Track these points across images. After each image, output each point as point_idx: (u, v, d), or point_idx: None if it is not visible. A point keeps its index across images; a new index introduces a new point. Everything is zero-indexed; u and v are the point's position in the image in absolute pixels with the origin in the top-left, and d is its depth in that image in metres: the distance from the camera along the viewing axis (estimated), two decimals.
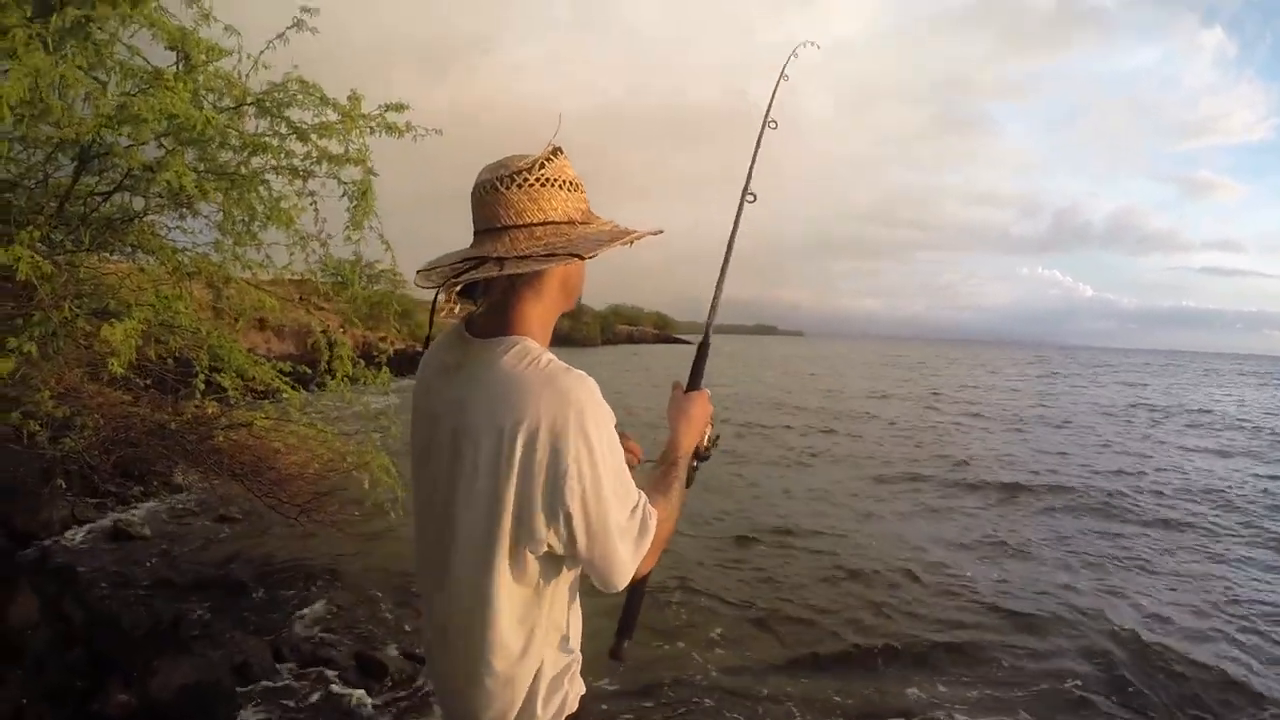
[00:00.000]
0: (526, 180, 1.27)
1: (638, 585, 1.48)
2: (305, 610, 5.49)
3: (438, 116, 4.41)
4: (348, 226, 4.43)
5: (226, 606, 5.31)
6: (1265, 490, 12.63)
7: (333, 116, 3.98)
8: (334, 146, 4.12)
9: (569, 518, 1.21)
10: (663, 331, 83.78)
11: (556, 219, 1.29)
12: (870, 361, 65.21)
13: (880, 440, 16.94)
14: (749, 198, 1.88)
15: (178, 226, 4.42)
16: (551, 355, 1.28)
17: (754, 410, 21.55)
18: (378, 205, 4.38)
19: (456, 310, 1.37)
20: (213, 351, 4.65)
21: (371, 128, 4.15)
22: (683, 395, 1.65)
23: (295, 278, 4.89)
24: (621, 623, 1.56)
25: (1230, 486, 12.95)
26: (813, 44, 2.19)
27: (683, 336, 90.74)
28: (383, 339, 5.86)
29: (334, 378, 4.96)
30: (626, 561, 1.29)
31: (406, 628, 5.46)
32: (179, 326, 4.22)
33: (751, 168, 1.90)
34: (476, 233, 1.33)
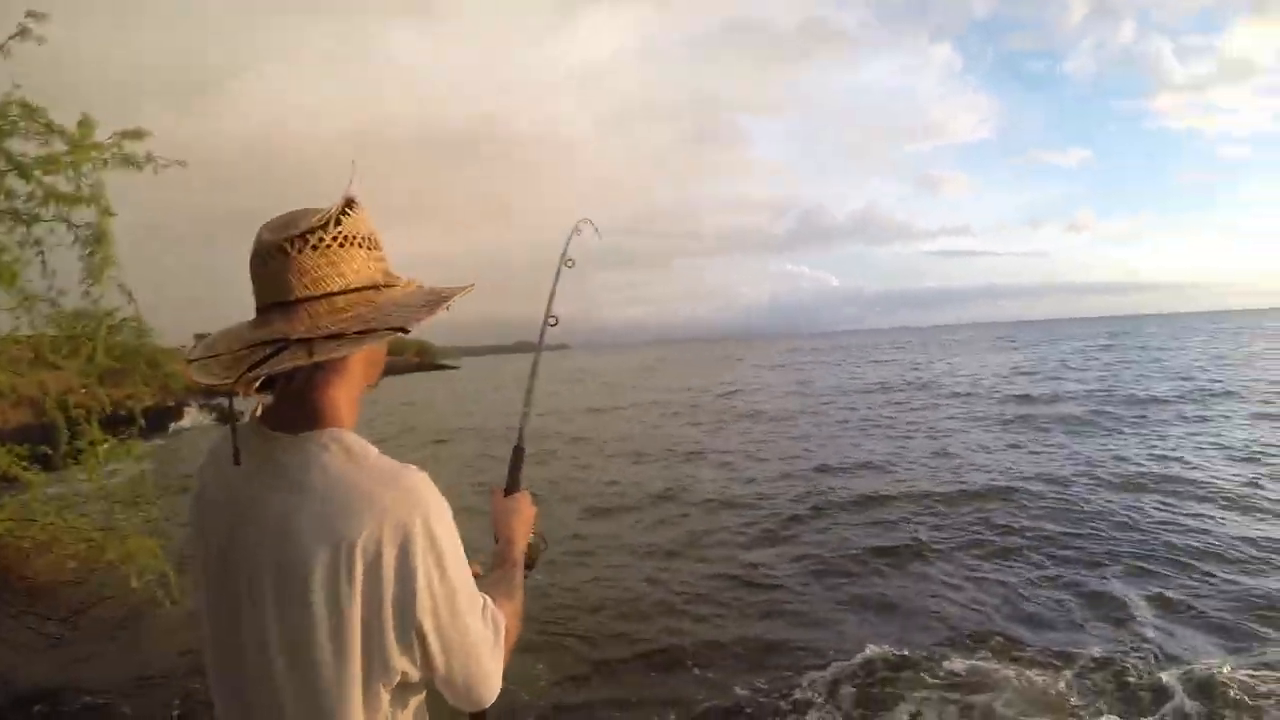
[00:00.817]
0: (321, 240, 1.06)
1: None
2: None
3: (186, 148, 3.86)
4: (84, 279, 3.76)
5: None
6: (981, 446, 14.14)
7: (60, 147, 3.29)
8: (63, 184, 3.44)
9: (422, 636, 1.04)
10: (423, 359, 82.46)
11: (359, 284, 1.09)
12: (622, 369, 64.13)
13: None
14: (551, 321, 1.88)
15: None
16: (375, 449, 1.09)
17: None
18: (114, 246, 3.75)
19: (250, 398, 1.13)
20: None
21: (105, 159, 3.51)
22: (504, 499, 1.54)
23: (24, 336, 4.14)
24: None
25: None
26: (589, 222, 2.15)
27: (445, 362, 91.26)
28: (129, 397, 5.06)
29: (78, 457, 4.26)
30: (492, 672, 1.15)
31: None
32: None
33: (550, 301, 1.90)
34: (261, 308, 1.09)
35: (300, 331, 1.02)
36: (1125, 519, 8.44)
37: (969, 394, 23.12)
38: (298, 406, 1.11)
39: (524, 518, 1.50)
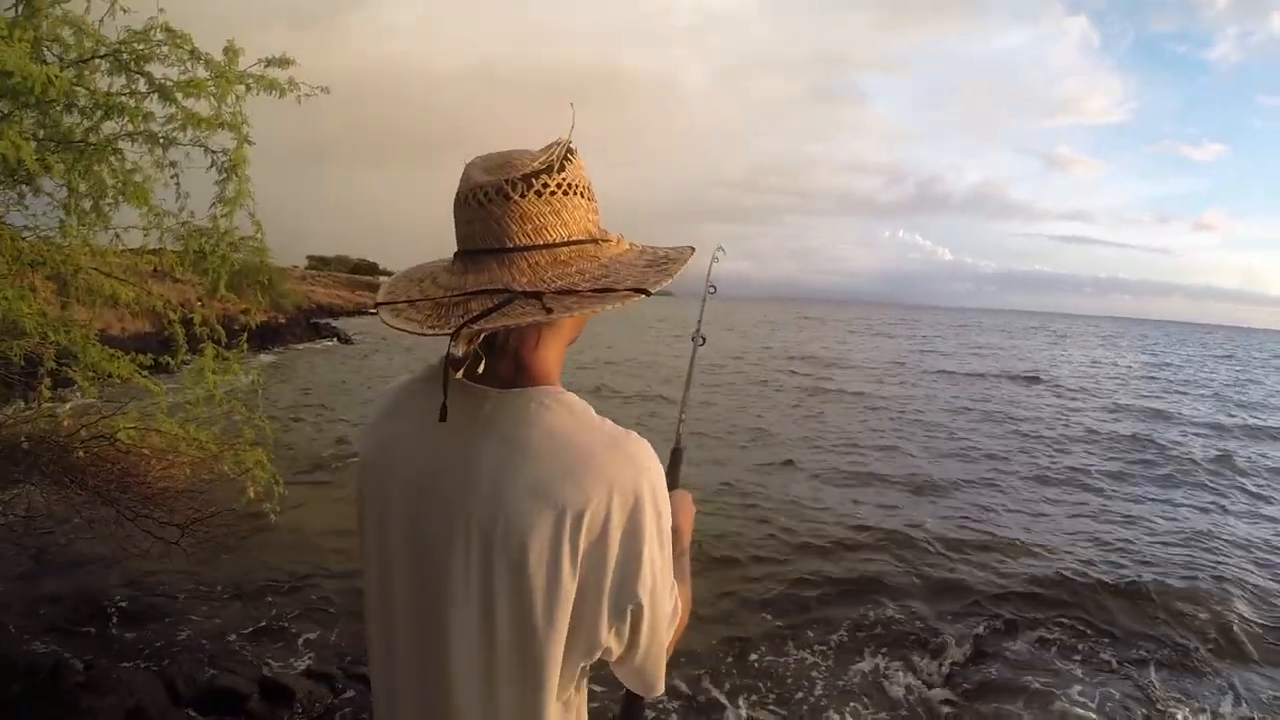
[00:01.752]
0: (546, 186, 0.96)
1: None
2: (196, 639, 4.90)
3: (309, 76, 3.88)
4: (215, 203, 3.85)
5: (108, 646, 4.65)
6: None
7: (203, 73, 3.37)
8: (203, 108, 3.52)
9: (637, 612, 0.97)
10: None
11: (580, 236, 1.00)
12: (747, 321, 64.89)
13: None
14: (699, 340, 1.85)
15: (16, 207, 3.70)
16: (594, 411, 1.01)
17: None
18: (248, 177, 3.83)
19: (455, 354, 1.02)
20: (62, 348, 3.99)
21: (248, 85, 3.56)
22: (672, 493, 1.40)
23: (149, 250, 4.29)
24: None
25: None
26: (722, 249, 2.11)
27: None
28: (244, 311, 5.23)
29: (195, 361, 4.41)
30: (667, 656, 1.08)
31: (303, 640, 5.03)
32: (24, 333, 3.55)
33: (699, 324, 1.88)
34: (469, 252, 1.00)
35: (523, 283, 0.94)
36: None
37: None
38: (507, 362, 1.03)
39: (688, 512, 1.38)
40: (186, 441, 4.58)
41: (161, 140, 3.58)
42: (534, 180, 0.96)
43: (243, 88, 3.48)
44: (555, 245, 0.97)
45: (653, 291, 0.96)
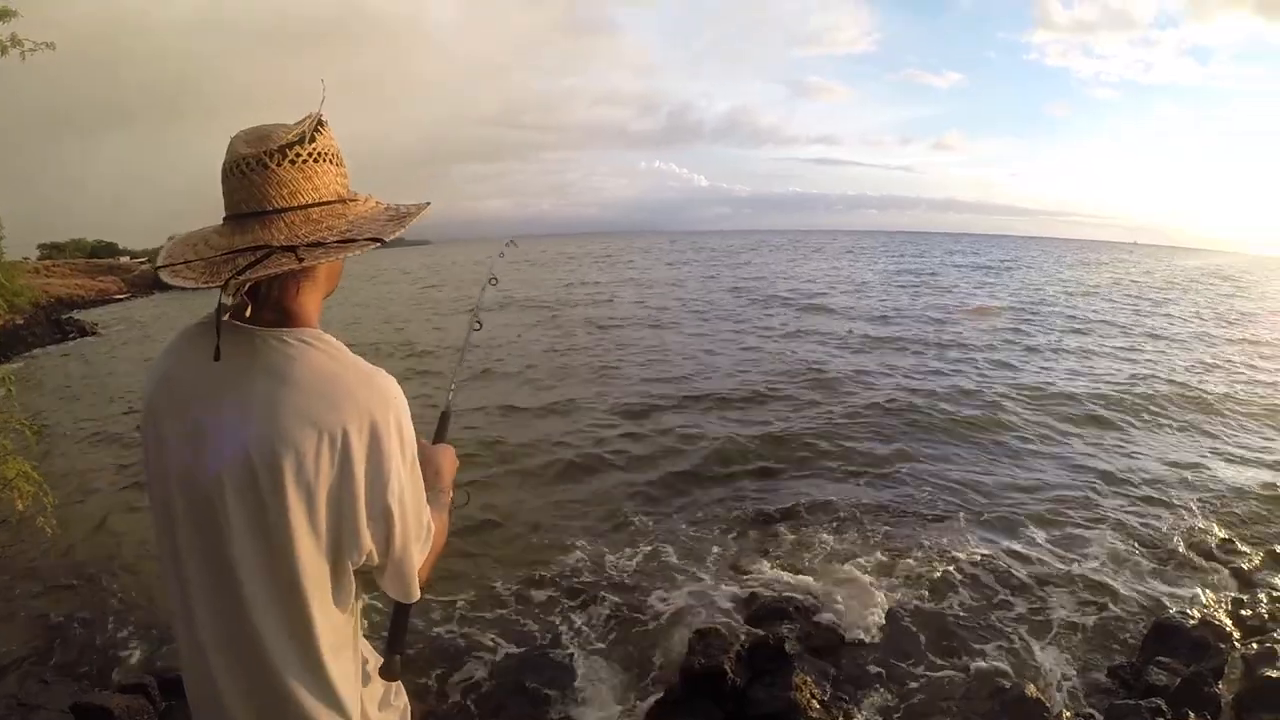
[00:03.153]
0: (299, 156, 1.14)
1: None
2: None
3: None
4: None
5: None
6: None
7: None
8: None
9: (388, 516, 1.17)
10: None
11: (329, 198, 1.18)
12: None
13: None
14: (475, 325, 2.12)
15: None
16: (349, 350, 1.20)
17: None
18: None
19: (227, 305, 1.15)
20: None
21: None
22: (433, 448, 1.61)
23: None
24: (392, 638, 1.43)
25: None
26: (513, 243, 2.59)
27: None
28: None
29: None
30: (419, 567, 1.27)
31: (109, 652, 4.69)
32: None
33: (476, 310, 2.13)
34: (234, 216, 1.16)
35: (280, 240, 1.11)
36: None
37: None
38: (271, 308, 1.18)
39: (450, 464, 1.59)
40: None
41: None
42: (288, 151, 1.13)
43: None
44: (308, 206, 1.15)
45: (387, 239, 1.15)
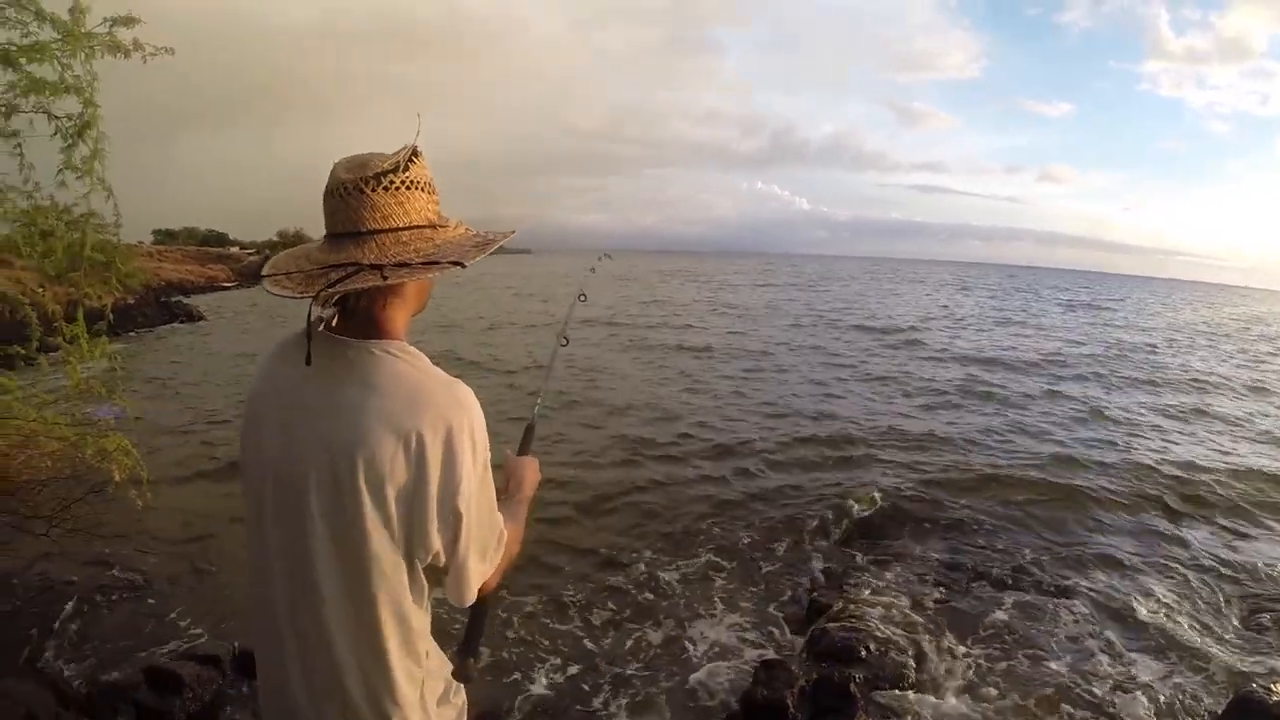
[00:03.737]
0: (393, 183, 1.24)
1: (483, 601, 1.44)
2: (76, 635, 4.66)
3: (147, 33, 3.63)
4: (61, 169, 3.60)
5: None
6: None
7: (49, 34, 3.13)
8: (48, 73, 3.29)
9: (458, 519, 1.23)
10: None
11: (419, 223, 1.28)
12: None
13: None
14: (561, 341, 2.24)
15: None
16: (430, 362, 1.29)
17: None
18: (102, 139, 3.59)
19: (319, 314, 1.30)
20: None
21: (95, 47, 3.34)
22: (517, 459, 1.72)
23: None
24: (466, 641, 1.52)
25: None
26: (607, 255, 2.66)
27: None
28: (88, 295, 4.95)
29: (59, 349, 4.14)
30: (484, 573, 1.33)
31: (185, 623, 4.90)
32: None
33: (565, 326, 2.26)
34: (333, 235, 1.27)
35: (371, 258, 1.20)
36: None
37: None
38: (363, 322, 1.29)
39: (533, 476, 1.68)
40: (46, 430, 4.33)
41: (2, 108, 3.33)
42: (383, 178, 1.23)
43: (92, 48, 3.27)
44: (398, 230, 1.25)
45: (468, 264, 1.23)
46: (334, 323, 1.31)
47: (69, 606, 4.96)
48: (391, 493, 1.19)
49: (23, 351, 4.31)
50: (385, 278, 1.17)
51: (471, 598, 1.32)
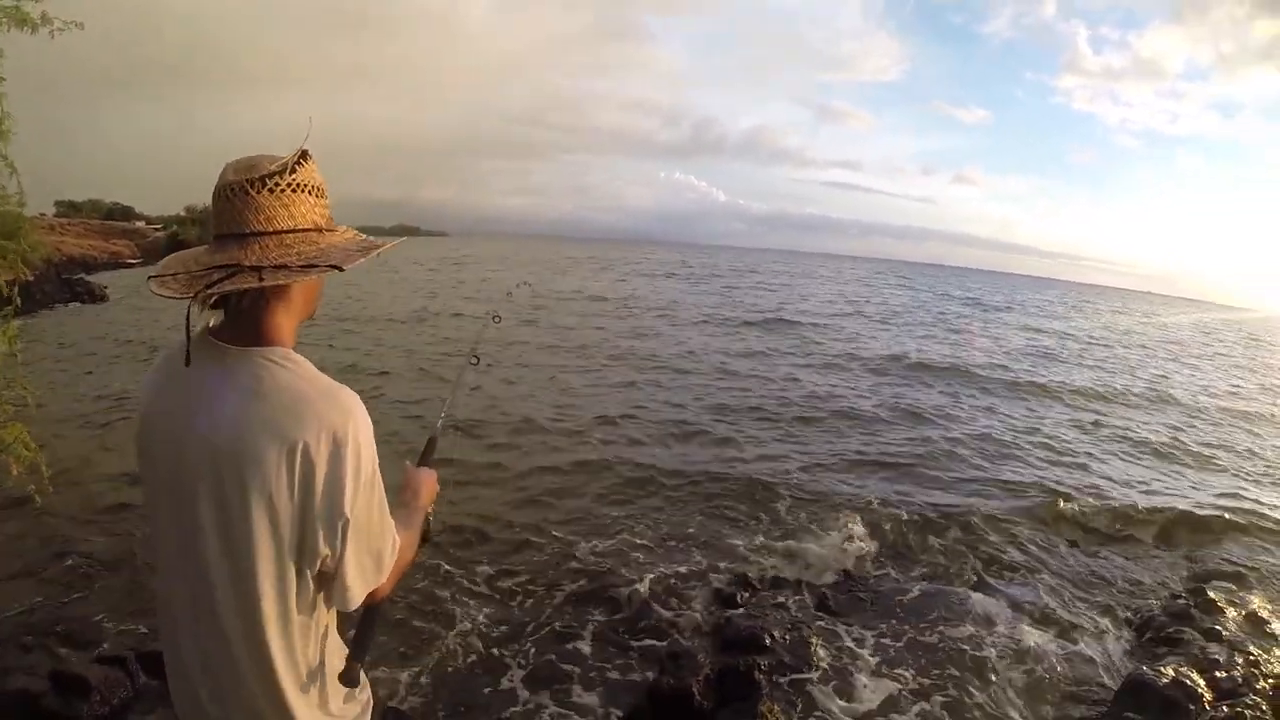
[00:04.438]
0: (278, 185, 1.25)
1: (375, 607, 1.48)
2: None
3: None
4: None
5: None
6: None
7: None
8: None
9: (345, 526, 1.24)
10: None
11: (305, 226, 1.29)
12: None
13: None
14: (472, 360, 2.35)
15: None
16: (314, 367, 1.29)
17: None
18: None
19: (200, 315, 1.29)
20: None
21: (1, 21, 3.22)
22: (416, 470, 1.73)
23: None
24: (355, 644, 1.51)
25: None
26: (527, 283, 3.26)
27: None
28: None
29: None
30: (371, 578, 1.34)
31: (93, 622, 4.75)
32: None
33: (475, 346, 2.34)
34: (218, 236, 1.27)
35: (252, 260, 1.21)
36: None
37: None
38: (246, 326, 1.29)
39: (430, 487, 1.70)
40: None
41: None
42: (268, 180, 1.24)
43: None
44: (282, 233, 1.25)
45: (345, 269, 1.24)
46: (218, 327, 1.32)
47: None
48: (277, 502, 1.20)
49: None
50: (262, 279, 1.19)
51: (356, 604, 1.34)
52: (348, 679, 1.44)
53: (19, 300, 4.32)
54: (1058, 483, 9.12)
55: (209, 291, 1.18)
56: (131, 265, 37.34)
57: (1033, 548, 6.99)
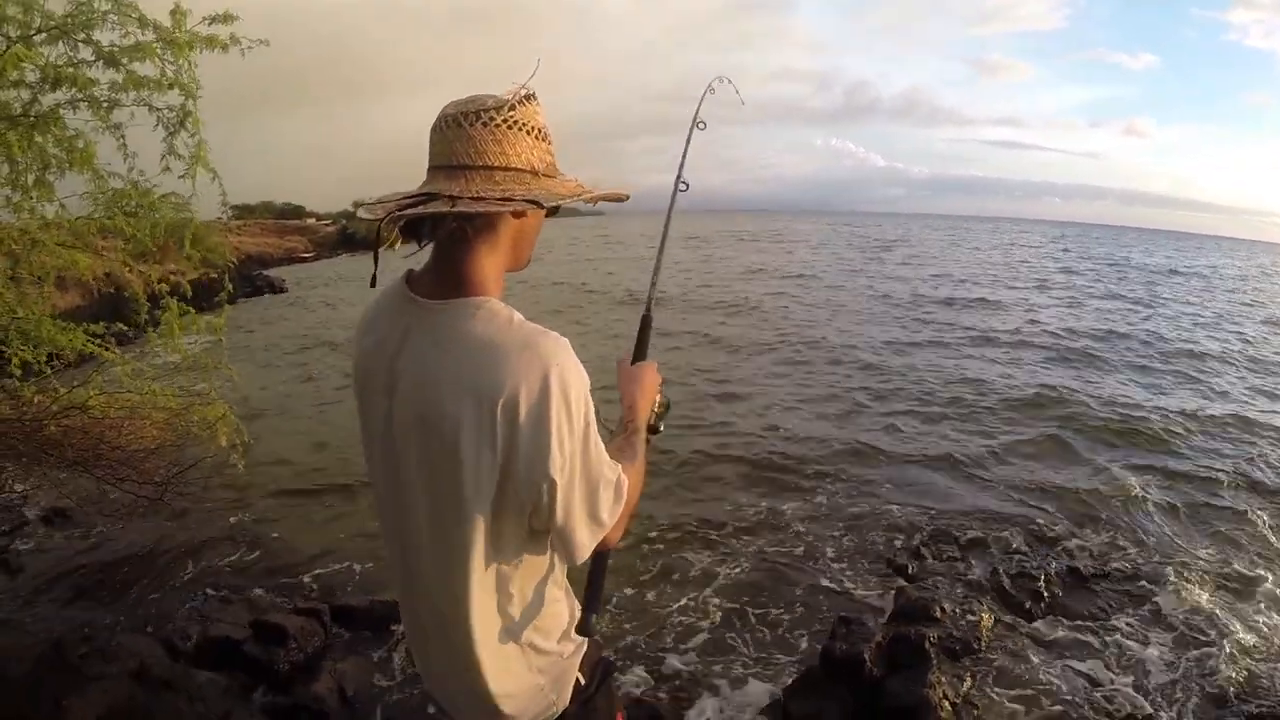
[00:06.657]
0: (493, 120, 1.18)
1: (603, 555, 1.41)
2: (187, 592, 5.00)
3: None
4: (165, 156, 3.80)
5: (104, 613, 4.70)
6: None
7: (148, 36, 3.32)
8: (148, 70, 3.48)
9: (552, 486, 1.15)
10: None
11: (518, 166, 1.20)
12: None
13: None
14: (682, 186, 1.94)
15: None
16: (519, 315, 1.20)
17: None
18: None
19: (398, 247, 1.26)
20: (20, 328, 3.98)
21: (194, 45, 3.53)
22: (631, 367, 1.62)
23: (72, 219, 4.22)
24: (588, 596, 1.45)
25: None
26: (727, 81, 2.15)
27: None
28: (173, 273, 5.23)
29: (158, 327, 4.41)
30: (595, 531, 1.25)
31: (290, 578, 5.21)
32: None
33: (682, 164, 1.97)
34: (431, 168, 1.22)
35: (453, 190, 1.15)
36: None
37: None
38: (445, 274, 1.24)
39: (647, 386, 1.58)
40: (153, 401, 4.61)
41: (105, 104, 3.53)
42: (483, 114, 1.18)
43: (190, 47, 3.45)
44: (492, 168, 1.18)
45: (545, 206, 1.18)
46: (421, 276, 1.28)
47: (183, 565, 5.32)
48: (476, 458, 1.14)
49: (125, 328, 4.60)
50: (454, 206, 1.12)
51: (582, 558, 1.28)
52: (583, 629, 1.39)
53: (230, 287, 4.68)
54: None
55: (400, 214, 1.13)
56: (306, 258, 39.43)
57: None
